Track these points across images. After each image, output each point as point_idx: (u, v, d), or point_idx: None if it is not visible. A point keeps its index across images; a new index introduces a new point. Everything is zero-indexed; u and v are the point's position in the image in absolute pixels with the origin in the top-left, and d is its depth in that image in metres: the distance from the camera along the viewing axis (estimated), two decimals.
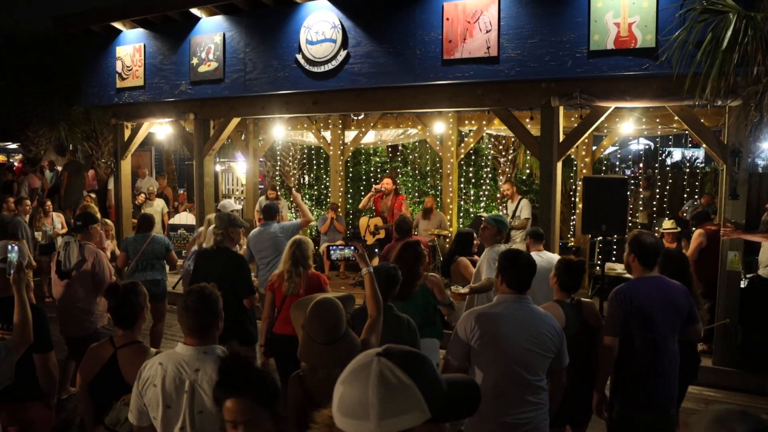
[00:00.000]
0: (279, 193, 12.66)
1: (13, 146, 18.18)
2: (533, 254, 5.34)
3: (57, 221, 10.30)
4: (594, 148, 11.93)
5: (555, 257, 6.41)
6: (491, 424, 3.48)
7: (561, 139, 7.86)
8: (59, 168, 16.79)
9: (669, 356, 4.17)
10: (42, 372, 4.12)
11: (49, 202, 10.51)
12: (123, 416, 3.30)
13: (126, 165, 12.11)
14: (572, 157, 11.57)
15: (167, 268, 7.82)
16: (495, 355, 3.46)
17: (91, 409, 3.49)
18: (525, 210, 9.80)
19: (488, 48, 7.79)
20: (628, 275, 8.47)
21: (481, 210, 12.56)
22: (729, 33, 6.03)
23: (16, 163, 17.71)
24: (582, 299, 4.45)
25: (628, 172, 15.36)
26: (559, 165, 7.89)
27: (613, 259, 10.95)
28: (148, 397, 3.00)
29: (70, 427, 5.76)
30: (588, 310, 4.38)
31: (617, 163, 15.50)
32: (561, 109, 7.77)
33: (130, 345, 3.51)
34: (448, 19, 8.01)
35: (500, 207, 11.63)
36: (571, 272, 4.39)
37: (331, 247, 4.20)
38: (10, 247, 4.23)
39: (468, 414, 1.74)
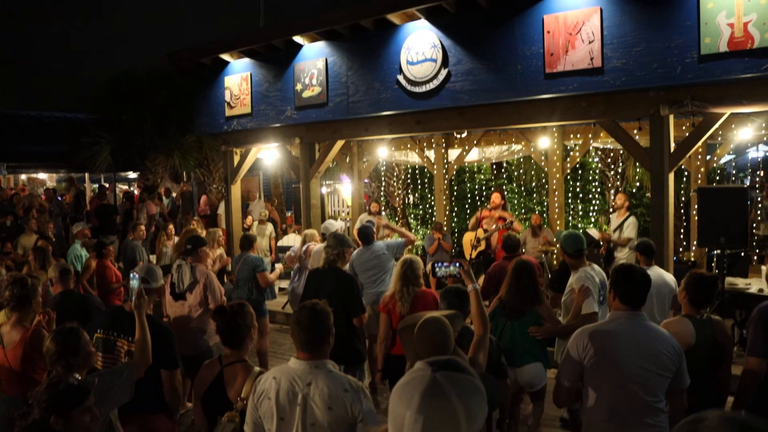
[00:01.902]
0: (381, 208, 12.73)
1: (133, 175, 19.29)
2: None
3: None
4: (708, 157, 11.40)
5: (665, 274, 6.09)
6: None
7: (672, 150, 7.55)
8: (174, 194, 17.67)
9: None
10: (168, 387, 4.35)
11: (171, 227, 11.04)
12: None
13: (236, 190, 12.56)
14: (683, 167, 11.09)
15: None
16: (609, 374, 3.34)
17: (205, 424, 3.62)
18: (630, 229, 9.30)
19: (591, 59, 7.60)
20: (751, 291, 8.07)
21: (590, 226, 12.21)
22: None
23: (135, 191, 18.75)
24: (712, 316, 4.19)
25: (746, 181, 14.51)
26: (671, 176, 7.57)
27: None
28: (263, 410, 3.09)
29: None
30: (718, 328, 4.10)
31: (733, 172, 14.66)
32: (671, 117, 7.47)
33: (235, 363, 3.62)
34: (548, 32, 7.89)
35: (606, 216, 11.21)
36: (703, 287, 4.09)
37: (436, 264, 4.20)
38: (131, 275, 4.47)
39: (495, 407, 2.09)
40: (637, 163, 11.24)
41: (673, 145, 7.59)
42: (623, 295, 3.45)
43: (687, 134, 7.74)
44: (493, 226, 10.53)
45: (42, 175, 23.19)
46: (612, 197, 11.98)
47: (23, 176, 22.14)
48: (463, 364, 1.68)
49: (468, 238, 11.25)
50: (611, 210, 10.52)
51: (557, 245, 10.90)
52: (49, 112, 23.86)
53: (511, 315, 5.15)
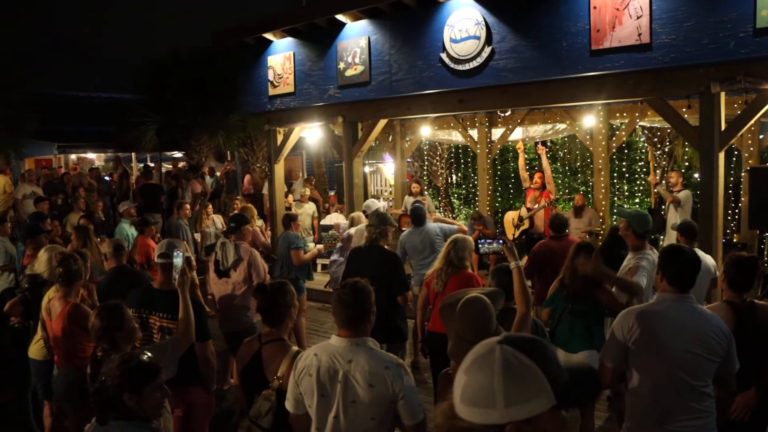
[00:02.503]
0: (424, 188, 12.67)
1: (179, 155, 19.56)
2: None
3: (218, 222, 10.98)
4: (761, 136, 11.07)
5: (706, 257, 5.81)
6: None
7: (723, 128, 7.33)
8: (218, 174, 17.87)
9: None
10: (201, 359, 4.44)
11: (210, 206, 11.20)
12: (264, 410, 3.43)
13: (279, 169, 12.64)
14: (734, 146, 10.78)
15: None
16: (655, 357, 3.26)
17: (244, 401, 3.67)
18: (683, 195, 9.17)
19: (639, 35, 7.41)
20: None
21: (635, 206, 11.99)
22: None
23: (173, 167, 19.00)
24: (755, 301, 4.04)
25: None
26: (721, 156, 7.36)
27: None
28: (304, 386, 3.11)
29: (231, 416, 6.11)
30: (763, 312, 3.92)
31: None
32: (722, 95, 7.24)
33: (273, 342, 3.64)
34: (595, 7, 7.71)
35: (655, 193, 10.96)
36: (743, 269, 3.93)
37: (479, 241, 4.17)
38: (175, 252, 4.53)
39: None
40: (686, 143, 10.96)
41: (723, 123, 7.38)
42: (671, 276, 3.36)
43: (739, 112, 7.52)
44: (536, 206, 10.41)
45: (91, 155, 23.71)
46: (657, 177, 11.73)
47: (73, 156, 22.65)
48: (543, 352, 1.53)
49: (509, 217, 11.15)
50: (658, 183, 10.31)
51: (601, 227, 10.75)
52: (98, 93, 24.36)
53: (571, 299, 5.09)
